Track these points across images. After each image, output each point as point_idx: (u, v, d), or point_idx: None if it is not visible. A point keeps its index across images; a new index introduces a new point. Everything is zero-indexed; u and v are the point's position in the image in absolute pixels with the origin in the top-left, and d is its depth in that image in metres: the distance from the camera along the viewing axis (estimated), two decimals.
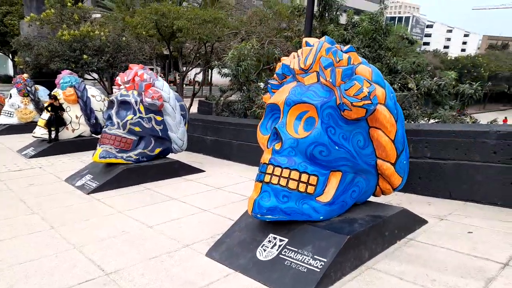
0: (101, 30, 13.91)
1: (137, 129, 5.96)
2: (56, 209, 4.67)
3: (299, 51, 3.39)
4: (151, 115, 6.06)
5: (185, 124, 6.65)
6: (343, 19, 9.69)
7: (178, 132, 6.44)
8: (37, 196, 5.20)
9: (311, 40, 3.35)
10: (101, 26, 14.86)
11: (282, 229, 3.20)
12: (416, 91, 7.13)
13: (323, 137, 3.02)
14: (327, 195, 3.15)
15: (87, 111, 8.73)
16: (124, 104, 5.96)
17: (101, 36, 13.48)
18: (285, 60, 3.54)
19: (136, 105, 5.93)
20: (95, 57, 13.34)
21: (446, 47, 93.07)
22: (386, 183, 3.45)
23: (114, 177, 5.66)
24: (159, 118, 6.17)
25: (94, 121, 8.87)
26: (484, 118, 12.78)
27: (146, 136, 6.12)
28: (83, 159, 7.65)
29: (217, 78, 25.44)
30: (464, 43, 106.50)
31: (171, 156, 6.72)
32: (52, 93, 8.45)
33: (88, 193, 5.32)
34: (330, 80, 3.06)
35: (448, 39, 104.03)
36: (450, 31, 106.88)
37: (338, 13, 8.76)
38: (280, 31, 12.50)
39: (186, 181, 6.11)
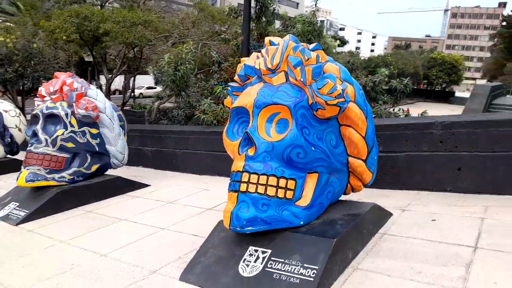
0: (7, 37, 12.31)
1: (69, 145, 5.28)
2: None
3: (263, 50, 3.22)
4: (85, 128, 5.42)
5: (124, 136, 6.09)
6: (276, 24, 9.81)
7: (117, 145, 5.86)
8: None
9: (276, 39, 3.20)
10: (7, 32, 13.15)
11: (262, 240, 2.98)
12: None
13: (299, 139, 2.88)
14: (306, 199, 3.02)
15: (0, 129, 7.62)
16: (52, 118, 5.25)
17: (8, 43, 11.94)
18: (246, 60, 3.35)
19: (67, 118, 5.26)
20: (1, 67, 11.79)
21: (357, 48, 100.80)
22: (357, 180, 3.43)
23: (47, 202, 4.93)
24: (94, 131, 5.55)
25: (9, 139, 7.77)
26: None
27: (80, 153, 5.46)
28: (0, 184, 6.61)
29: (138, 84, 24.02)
30: (373, 44, 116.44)
31: (110, 172, 6.10)
32: None
33: (17, 224, 4.55)
34: (301, 79, 2.94)
35: (359, 41, 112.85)
36: (360, 33, 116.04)
37: (272, 17, 8.82)
38: (213, 34, 12.26)
39: (132, 198, 5.57)
